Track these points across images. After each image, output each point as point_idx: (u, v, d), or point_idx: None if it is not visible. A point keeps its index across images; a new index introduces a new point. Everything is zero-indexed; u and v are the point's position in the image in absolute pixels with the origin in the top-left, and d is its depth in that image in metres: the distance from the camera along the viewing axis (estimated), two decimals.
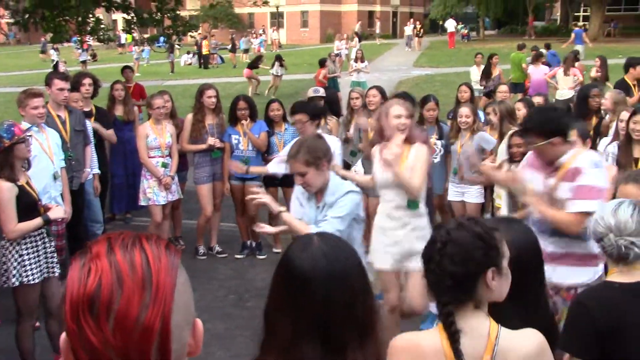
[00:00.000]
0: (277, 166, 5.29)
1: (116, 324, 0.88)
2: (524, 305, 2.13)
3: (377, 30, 44.20)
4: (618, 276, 2.45)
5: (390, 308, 4.28)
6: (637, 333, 2.35)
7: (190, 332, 1.00)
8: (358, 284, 1.57)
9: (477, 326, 1.85)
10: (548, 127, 3.42)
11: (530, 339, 1.88)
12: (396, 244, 4.17)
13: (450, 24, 37.22)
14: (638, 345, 2.36)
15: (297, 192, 3.80)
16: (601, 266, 3.41)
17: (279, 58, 20.04)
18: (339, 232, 3.28)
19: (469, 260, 1.83)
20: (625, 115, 5.50)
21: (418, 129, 4.45)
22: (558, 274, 3.39)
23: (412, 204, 4.12)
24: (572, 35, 25.83)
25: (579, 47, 22.17)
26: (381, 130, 4.27)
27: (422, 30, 37.90)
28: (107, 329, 0.88)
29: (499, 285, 1.87)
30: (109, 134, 7.00)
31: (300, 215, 3.72)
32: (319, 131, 6.17)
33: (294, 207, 3.79)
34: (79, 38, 14.40)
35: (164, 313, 0.90)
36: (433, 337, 1.88)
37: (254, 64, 20.47)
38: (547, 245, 3.34)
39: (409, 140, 4.20)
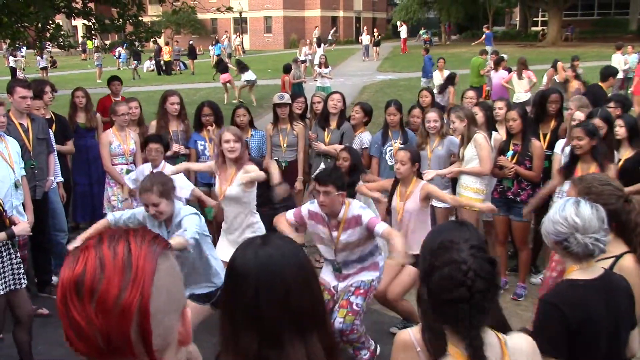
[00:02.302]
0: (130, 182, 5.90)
1: (98, 304, 0.97)
2: None
3: (329, 37, 44.27)
4: (579, 274, 2.51)
5: None
6: (603, 327, 2.44)
7: (179, 320, 1.06)
8: (293, 282, 1.61)
9: (490, 341, 1.88)
10: (341, 182, 4.37)
11: (525, 338, 2.00)
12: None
13: (403, 30, 37.71)
14: (604, 339, 2.45)
15: (147, 216, 4.23)
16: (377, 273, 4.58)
17: (240, 63, 19.31)
18: (196, 237, 3.93)
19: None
20: (578, 115, 5.66)
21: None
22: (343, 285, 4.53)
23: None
24: (484, 36, 27.56)
25: (488, 48, 24.98)
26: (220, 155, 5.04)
27: (379, 38, 36.95)
28: (91, 309, 0.96)
29: None
30: (67, 149, 6.88)
31: None
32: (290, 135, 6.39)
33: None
34: (35, 44, 14.10)
35: (142, 294, 0.98)
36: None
37: (224, 69, 19.65)
38: (338, 276, 4.57)
39: (240, 163, 4.94)
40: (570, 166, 4.97)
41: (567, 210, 2.48)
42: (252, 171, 4.86)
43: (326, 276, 4.68)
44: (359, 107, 6.77)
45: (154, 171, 5.22)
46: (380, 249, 4.71)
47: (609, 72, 9.36)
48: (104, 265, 0.98)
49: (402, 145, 6.31)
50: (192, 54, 31.97)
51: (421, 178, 5.10)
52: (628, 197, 2.97)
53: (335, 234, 4.43)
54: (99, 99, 8.80)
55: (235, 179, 4.94)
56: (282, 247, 1.69)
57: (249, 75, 18.51)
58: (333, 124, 6.57)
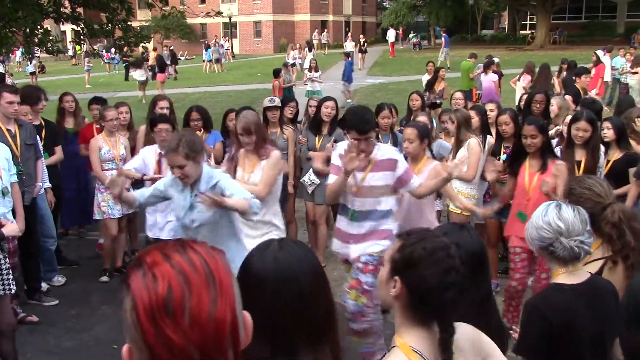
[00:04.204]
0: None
1: (192, 320, 0.95)
2: (477, 314, 2.12)
3: (324, 41, 44.44)
4: (566, 278, 2.50)
5: None
6: (587, 332, 2.43)
7: (242, 326, 1.06)
8: (309, 288, 1.58)
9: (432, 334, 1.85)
10: (369, 127, 4.08)
11: (472, 328, 1.98)
12: None
13: (391, 34, 37.68)
14: (588, 344, 2.44)
15: (169, 182, 4.01)
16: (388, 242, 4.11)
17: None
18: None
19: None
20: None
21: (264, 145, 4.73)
22: (355, 251, 4.24)
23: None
24: (443, 40, 30.14)
25: (446, 50, 28.16)
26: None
27: (365, 45, 33.41)
28: (185, 326, 0.94)
29: None
30: (55, 159, 6.74)
31: (179, 202, 3.98)
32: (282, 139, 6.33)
33: (175, 195, 4.04)
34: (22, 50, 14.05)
35: (231, 305, 0.98)
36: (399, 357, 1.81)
37: (162, 68, 20.93)
38: (352, 229, 4.24)
39: (262, 152, 4.64)
40: (516, 163, 4.96)
41: (550, 215, 2.47)
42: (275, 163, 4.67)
43: (337, 244, 4.45)
44: None
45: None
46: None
47: (577, 72, 9.84)
48: (188, 279, 0.96)
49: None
50: (173, 59, 31.68)
51: (434, 157, 4.94)
52: (610, 203, 2.94)
53: (360, 175, 4.16)
54: None
55: (257, 166, 4.69)
56: (298, 253, 1.64)
57: (137, 75, 18.90)
58: (325, 129, 6.56)
